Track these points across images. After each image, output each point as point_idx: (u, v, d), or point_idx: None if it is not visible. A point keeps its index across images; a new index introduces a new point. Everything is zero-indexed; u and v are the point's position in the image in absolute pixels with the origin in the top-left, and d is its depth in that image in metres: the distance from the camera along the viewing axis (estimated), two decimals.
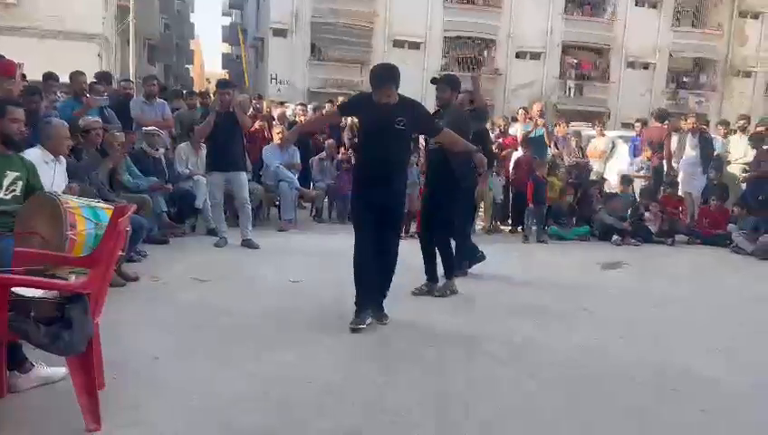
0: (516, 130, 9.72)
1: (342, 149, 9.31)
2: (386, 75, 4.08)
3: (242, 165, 6.73)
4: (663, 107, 14.66)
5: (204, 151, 7.11)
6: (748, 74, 28.91)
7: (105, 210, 3.11)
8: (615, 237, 8.25)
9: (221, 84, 6.81)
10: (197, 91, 10.49)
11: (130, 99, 7.96)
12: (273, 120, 9.54)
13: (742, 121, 9.96)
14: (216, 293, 4.83)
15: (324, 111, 9.84)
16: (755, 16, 28.55)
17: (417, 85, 25.60)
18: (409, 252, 4.93)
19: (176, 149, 7.66)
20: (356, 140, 9.81)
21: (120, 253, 3.00)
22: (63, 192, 4.18)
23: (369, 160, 4.17)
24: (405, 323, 4.23)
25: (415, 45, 25.92)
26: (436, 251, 5.05)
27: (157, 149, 7.07)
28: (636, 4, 27.45)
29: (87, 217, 3.12)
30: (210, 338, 3.77)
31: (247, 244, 6.59)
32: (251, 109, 9.23)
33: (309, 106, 10.86)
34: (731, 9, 28.23)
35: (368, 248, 4.12)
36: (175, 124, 8.19)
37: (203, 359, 3.42)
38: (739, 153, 9.55)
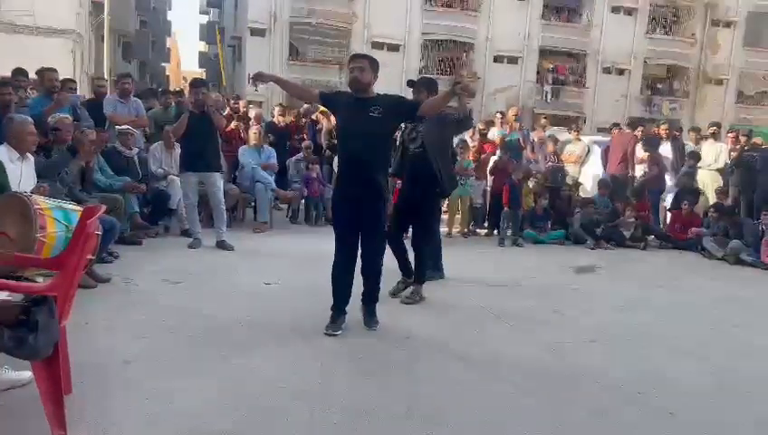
0: (494, 134, 9.80)
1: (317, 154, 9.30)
2: (361, 54, 4.16)
3: (216, 165, 6.68)
4: (634, 115, 14.89)
5: (178, 151, 7.03)
6: (720, 82, 29.54)
7: (76, 212, 3.06)
8: (589, 241, 8.35)
9: (195, 84, 6.75)
10: (172, 90, 10.37)
11: (104, 97, 7.84)
12: (249, 120, 9.46)
13: (713, 128, 10.18)
14: (188, 295, 4.77)
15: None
16: (727, 25, 29.19)
17: (396, 88, 25.36)
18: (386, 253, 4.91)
19: (150, 148, 7.56)
20: (334, 141, 9.83)
21: (90, 256, 2.95)
22: (32, 192, 4.11)
23: (346, 155, 4.08)
24: (379, 327, 4.23)
25: (394, 48, 25.97)
26: (407, 248, 5.07)
27: (130, 149, 6.98)
28: (612, 11, 27.88)
29: (57, 219, 3.08)
30: (182, 342, 3.72)
31: (222, 245, 6.54)
32: (227, 109, 9.17)
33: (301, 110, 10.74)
34: (704, 18, 28.81)
35: (346, 251, 4.04)
36: (149, 123, 8.09)
37: (174, 363, 3.38)
38: (710, 159, 9.75)
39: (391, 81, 25.06)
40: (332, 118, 10.05)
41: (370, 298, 4.22)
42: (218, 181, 6.65)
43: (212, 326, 4.03)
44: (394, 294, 5.01)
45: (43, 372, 2.53)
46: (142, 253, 6.13)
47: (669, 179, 9.63)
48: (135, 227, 6.64)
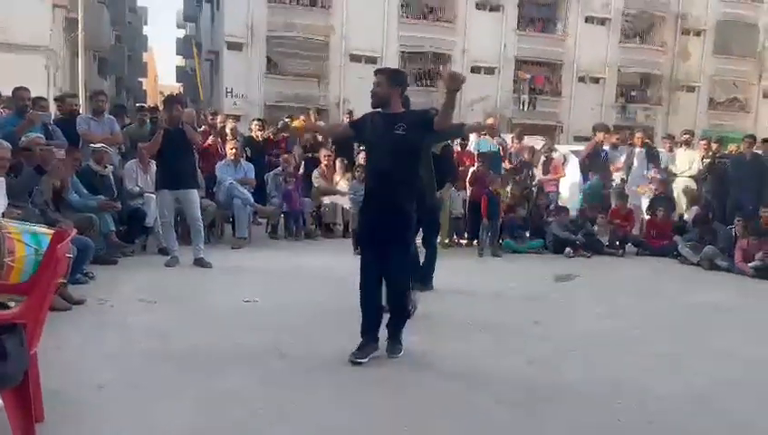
0: (472, 145, 9.84)
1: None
2: (380, 69, 4.05)
3: (193, 182, 6.63)
4: (603, 122, 15.04)
5: (154, 168, 6.96)
6: (692, 89, 30.07)
7: (47, 235, 3.00)
8: (567, 250, 8.41)
9: (169, 100, 6.70)
10: (147, 106, 10.29)
11: (77, 115, 7.74)
12: (227, 135, 9.41)
13: (685, 136, 10.34)
14: (165, 315, 4.71)
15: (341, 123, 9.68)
16: (698, 34, 29.78)
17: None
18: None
19: (125, 166, 7.48)
20: (308, 155, 9.82)
21: (61, 280, 2.89)
22: (3, 215, 4.03)
23: (371, 173, 4.03)
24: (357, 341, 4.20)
25: (372, 60, 26.02)
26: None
27: (105, 167, 6.91)
28: (586, 21, 28.30)
29: (27, 243, 3.01)
30: (159, 365, 3.66)
31: (199, 263, 6.47)
32: (203, 124, 9.11)
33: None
34: (674, 27, 29.39)
35: (371, 270, 3.89)
36: (124, 140, 8.01)
37: (150, 388, 3.31)
38: (684, 166, 9.90)
39: (368, 93, 25.20)
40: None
41: (395, 321, 3.98)
42: (195, 198, 6.60)
43: (189, 347, 3.97)
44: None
45: (12, 401, 2.47)
46: (118, 272, 6.05)
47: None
48: (111, 247, 6.55)
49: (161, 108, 7.64)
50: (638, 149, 9.99)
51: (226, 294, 5.41)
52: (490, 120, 9.98)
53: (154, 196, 6.95)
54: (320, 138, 10.28)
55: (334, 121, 14.41)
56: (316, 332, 4.44)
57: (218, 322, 4.58)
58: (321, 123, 8.42)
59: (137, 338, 4.11)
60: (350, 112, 13.26)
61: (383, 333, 3.96)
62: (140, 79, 48.52)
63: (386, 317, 4.00)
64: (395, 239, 3.85)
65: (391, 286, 3.96)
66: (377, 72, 3.98)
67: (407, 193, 3.85)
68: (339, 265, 6.92)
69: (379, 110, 3.92)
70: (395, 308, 3.97)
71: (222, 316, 4.74)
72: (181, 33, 47.08)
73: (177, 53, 46.30)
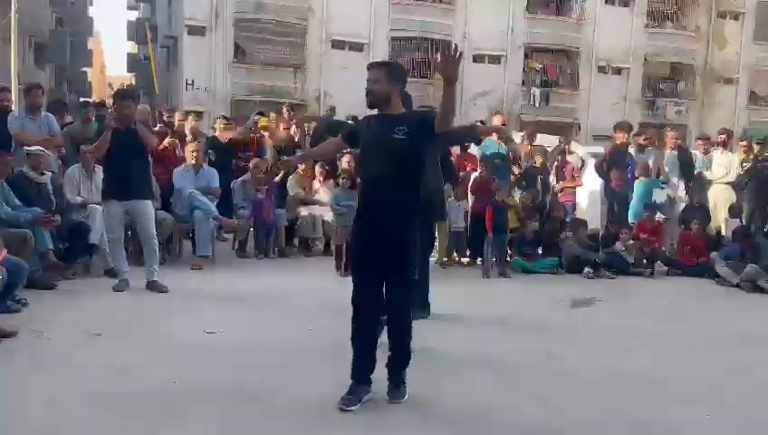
0: (474, 147, 9.89)
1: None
2: (377, 63, 4.06)
3: (146, 192, 6.62)
4: (626, 119, 15.17)
5: (100, 175, 6.95)
6: (730, 81, 30.47)
7: None
8: (586, 270, 8.45)
9: (120, 95, 6.71)
10: (92, 101, 10.29)
11: (9, 112, 7.73)
12: (186, 135, 9.42)
13: (722, 136, 10.44)
14: (112, 349, 4.68)
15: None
16: (735, 17, 30.22)
17: (359, 93, 25.80)
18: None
19: (66, 172, 7.45)
20: (282, 157, 9.84)
21: None
22: None
23: (366, 185, 3.99)
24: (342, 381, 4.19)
25: (357, 47, 26.21)
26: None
27: (42, 174, 6.88)
28: (606, 2, 28.65)
29: None
30: (104, 408, 3.64)
31: (153, 286, 6.45)
32: (158, 123, 9.12)
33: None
34: (709, 9, 29.77)
35: (366, 298, 3.83)
36: (65, 142, 7.99)
37: None
38: (721, 171, 10.01)
39: (353, 86, 25.36)
40: (282, 130, 10.17)
41: (396, 361, 3.90)
42: (149, 210, 6.58)
43: (140, 388, 3.96)
44: None
45: None
46: (57, 299, 6.01)
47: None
48: (48, 268, 6.49)
49: (111, 103, 7.65)
50: (668, 153, 10.07)
51: (185, 324, 5.38)
52: (497, 119, 10.04)
53: (100, 207, 6.91)
54: (297, 138, 10.32)
55: (313, 115, 14.30)
56: (294, 370, 4.42)
57: (175, 357, 4.56)
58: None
59: (79, 377, 4.08)
60: (332, 109, 13.35)
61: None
62: (85, 69, 48.49)
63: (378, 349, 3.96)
64: (394, 263, 3.79)
65: (391, 320, 3.90)
66: (371, 66, 3.97)
67: (408, 208, 3.81)
68: (319, 288, 6.92)
69: (376, 112, 3.90)
70: (396, 346, 3.90)
71: (179, 350, 4.71)
72: (133, 15, 47.17)
73: (128, 39, 46.24)
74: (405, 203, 3.80)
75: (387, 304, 3.86)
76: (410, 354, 3.93)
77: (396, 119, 3.81)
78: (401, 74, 3.96)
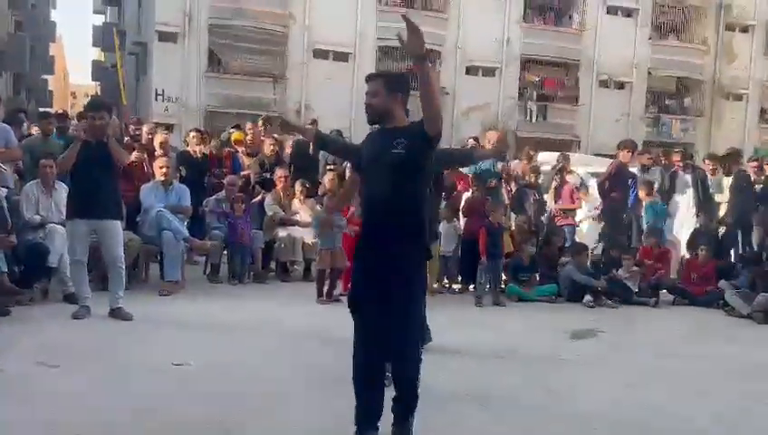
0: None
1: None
2: (374, 74, 4.03)
3: (115, 211, 6.59)
4: (630, 137, 15.35)
5: (61, 193, 6.92)
6: (739, 97, 30.86)
7: None
8: (587, 298, 8.49)
9: (93, 105, 6.72)
10: (53, 112, 10.27)
11: None
12: (155, 149, 9.41)
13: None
14: (71, 381, 4.64)
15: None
16: (745, 30, 30.69)
17: (344, 104, 26.08)
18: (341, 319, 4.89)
19: (23, 188, 7.41)
20: (266, 175, 9.84)
21: None
22: None
23: (365, 206, 3.90)
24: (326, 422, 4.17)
25: (341, 56, 26.33)
26: None
27: None
28: (608, 12, 28.99)
29: None
30: None
31: (117, 314, 6.41)
32: (124, 136, 9.11)
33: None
34: (716, 22, 30.22)
35: (371, 339, 3.71)
36: (22, 155, 7.95)
37: None
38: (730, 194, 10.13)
39: (337, 98, 25.52)
40: (267, 144, 10.13)
41: (402, 407, 3.79)
42: (117, 231, 6.57)
43: (102, 423, 3.92)
44: None
45: None
46: (11, 326, 5.96)
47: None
48: (2, 292, 6.45)
49: (78, 114, 7.63)
50: (682, 174, 10.18)
51: (151, 355, 5.35)
52: (492, 134, 10.11)
53: (60, 227, 6.87)
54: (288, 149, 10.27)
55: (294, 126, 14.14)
56: (270, 402, 4.40)
57: (140, 389, 4.52)
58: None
59: (35, 411, 4.05)
60: (314, 122, 13.36)
61: None
62: (46, 76, 48.35)
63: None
64: (398, 293, 3.66)
65: (396, 357, 3.76)
66: (369, 78, 3.94)
67: (411, 230, 3.70)
68: (298, 315, 6.90)
69: (378, 127, 3.87)
70: (401, 386, 3.78)
71: (145, 383, 4.68)
72: (99, 19, 47.16)
73: (93, 45, 46.30)
74: (407, 224, 3.69)
75: (392, 342, 3.70)
76: (415, 401, 3.79)
77: (396, 132, 3.74)
78: (401, 84, 3.90)
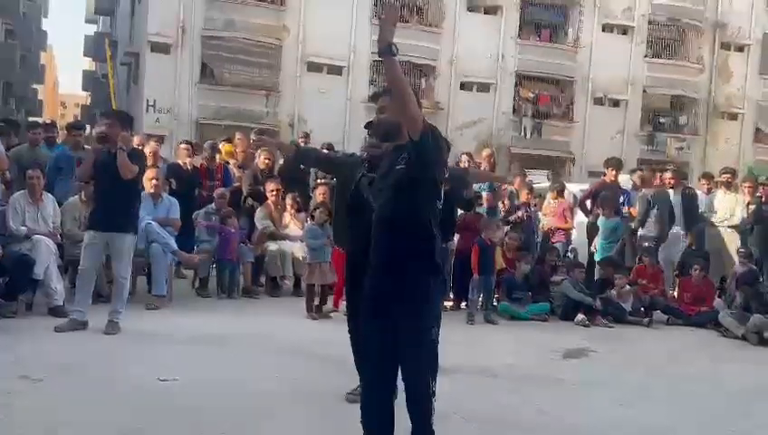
0: None
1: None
2: (383, 90, 3.90)
3: (124, 224, 6.57)
4: (624, 154, 15.43)
5: (48, 204, 6.91)
6: (734, 116, 31.10)
7: None
8: (580, 317, 8.48)
9: (103, 113, 6.75)
10: (42, 122, 10.25)
11: None
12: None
13: (725, 175, 10.64)
14: (55, 396, 4.62)
15: None
16: (740, 49, 30.97)
17: (338, 118, 26.15)
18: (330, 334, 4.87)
19: (9, 198, 7.38)
20: (259, 188, 9.80)
21: None
22: None
23: (373, 229, 3.66)
24: None
25: (336, 70, 26.42)
26: None
27: None
28: (603, 30, 29.22)
29: None
30: None
31: (111, 328, 6.41)
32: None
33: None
34: (712, 40, 30.50)
35: (377, 377, 3.59)
36: (9, 165, 7.93)
37: None
38: (724, 213, 10.16)
39: (330, 111, 25.58)
40: (260, 157, 10.10)
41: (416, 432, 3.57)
42: (124, 246, 6.58)
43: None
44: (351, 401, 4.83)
45: None
46: None
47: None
48: None
49: (69, 124, 7.63)
50: (672, 193, 10.22)
51: (137, 370, 5.32)
52: (486, 153, 10.15)
53: (45, 239, 6.86)
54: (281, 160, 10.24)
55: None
56: (259, 419, 4.37)
57: (125, 406, 4.50)
58: None
59: (16, 427, 4.01)
60: (307, 135, 13.36)
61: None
62: (35, 85, 48.39)
63: None
64: (406, 318, 3.48)
65: (407, 387, 3.54)
66: (376, 95, 3.82)
67: (418, 248, 3.50)
68: (288, 330, 6.88)
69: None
70: (414, 421, 3.55)
71: (130, 399, 4.65)
72: (91, 28, 47.27)
73: (84, 55, 46.37)
74: (413, 237, 3.50)
75: (403, 376, 3.53)
76: (433, 432, 3.56)
77: (402, 147, 3.55)
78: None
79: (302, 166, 8.88)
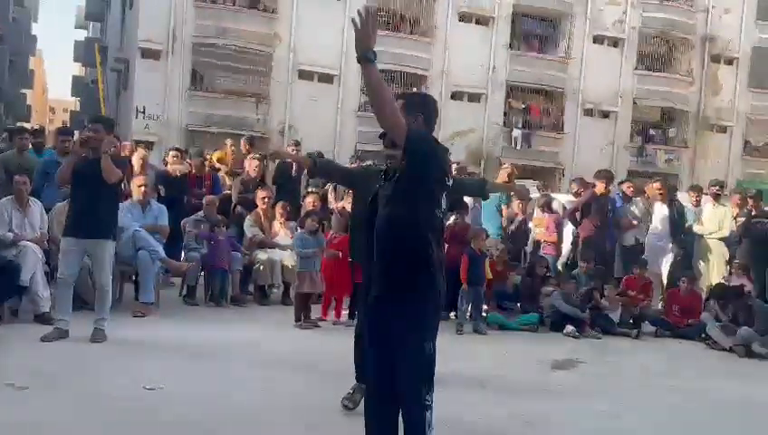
0: None
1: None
2: (397, 95, 3.74)
3: (104, 230, 6.51)
4: (614, 166, 15.53)
5: (35, 209, 6.88)
6: (723, 129, 31.29)
7: None
8: (570, 328, 8.49)
9: (90, 118, 6.72)
10: (30, 127, 10.22)
11: None
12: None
13: (714, 188, 10.71)
14: (39, 405, 4.59)
15: None
16: (729, 62, 31.19)
17: (329, 128, 26.20)
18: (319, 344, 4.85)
19: None
20: (248, 196, 9.80)
21: None
22: None
23: (376, 235, 3.60)
24: None
25: (327, 78, 26.45)
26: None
27: None
28: (594, 42, 29.39)
29: None
30: None
31: (96, 336, 6.36)
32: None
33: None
34: (702, 53, 30.73)
35: (377, 412, 3.58)
36: None
37: None
38: (713, 226, 10.22)
39: (321, 119, 25.61)
40: (251, 165, 10.08)
41: None
42: (106, 253, 6.52)
43: None
44: (347, 406, 4.81)
45: None
46: None
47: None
48: None
49: (59, 129, 7.60)
50: (659, 205, 10.28)
51: (123, 378, 5.30)
52: (505, 172, 10.25)
53: (33, 245, 6.81)
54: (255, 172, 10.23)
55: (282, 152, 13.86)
56: (245, 431, 4.34)
57: (110, 414, 4.47)
58: None
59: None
60: (297, 143, 13.38)
61: None
62: (24, 90, 48.15)
63: None
64: (398, 333, 3.44)
65: (399, 397, 3.51)
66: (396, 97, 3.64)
67: (412, 257, 3.44)
68: (276, 340, 6.86)
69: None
70: (405, 426, 3.54)
71: (115, 407, 4.63)
72: (81, 34, 47.19)
73: (74, 60, 46.26)
74: (405, 260, 3.44)
75: (395, 379, 3.48)
76: None
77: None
78: (420, 103, 3.69)
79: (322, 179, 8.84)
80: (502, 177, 10.13)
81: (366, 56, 3.18)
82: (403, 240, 3.44)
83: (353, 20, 3.18)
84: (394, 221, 3.45)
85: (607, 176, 10.24)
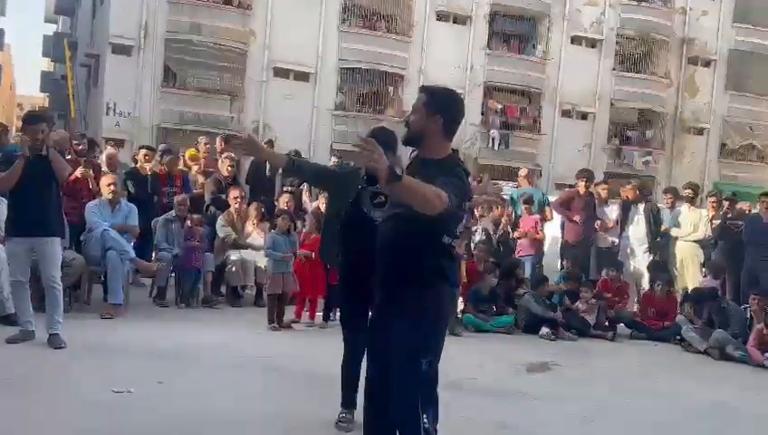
0: None
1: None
2: (424, 86, 3.60)
3: (56, 228, 6.45)
4: (591, 167, 15.71)
5: (0, 208, 6.78)
6: (700, 131, 31.68)
7: None
8: (545, 330, 8.55)
9: (30, 119, 6.59)
10: None
11: None
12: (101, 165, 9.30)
13: (687, 191, 10.84)
14: (6, 409, 4.54)
15: None
16: (707, 64, 31.59)
17: (304, 126, 26.15)
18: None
19: None
20: (221, 196, 9.73)
21: None
22: None
23: (379, 238, 3.54)
24: None
25: (303, 76, 26.39)
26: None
27: None
28: (572, 42, 29.62)
29: None
30: None
31: (52, 341, 6.19)
32: (69, 151, 8.98)
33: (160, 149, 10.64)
34: (680, 55, 31.09)
35: (377, 427, 3.59)
36: None
37: None
38: (688, 228, 10.34)
39: (296, 118, 25.55)
40: (224, 164, 10.01)
41: None
42: (56, 251, 6.42)
43: None
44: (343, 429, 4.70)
45: None
46: None
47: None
48: None
49: (18, 129, 7.50)
50: (634, 207, 10.39)
51: (91, 381, 5.27)
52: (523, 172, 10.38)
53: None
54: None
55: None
56: None
57: (76, 418, 4.45)
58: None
59: None
60: (271, 142, 13.33)
61: None
62: None
63: None
64: (395, 347, 3.39)
65: (389, 410, 3.47)
66: (420, 90, 3.54)
67: (412, 276, 3.37)
68: (248, 342, 6.83)
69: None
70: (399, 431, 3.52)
71: (82, 411, 4.60)
72: (51, 28, 46.64)
73: (43, 55, 45.74)
74: (407, 271, 3.37)
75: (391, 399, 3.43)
76: None
77: (428, 165, 3.33)
78: (445, 104, 3.43)
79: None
80: (522, 176, 10.26)
81: (394, 179, 2.92)
82: (408, 261, 3.35)
83: (359, 151, 2.94)
84: (399, 238, 3.37)
85: (587, 176, 10.37)
